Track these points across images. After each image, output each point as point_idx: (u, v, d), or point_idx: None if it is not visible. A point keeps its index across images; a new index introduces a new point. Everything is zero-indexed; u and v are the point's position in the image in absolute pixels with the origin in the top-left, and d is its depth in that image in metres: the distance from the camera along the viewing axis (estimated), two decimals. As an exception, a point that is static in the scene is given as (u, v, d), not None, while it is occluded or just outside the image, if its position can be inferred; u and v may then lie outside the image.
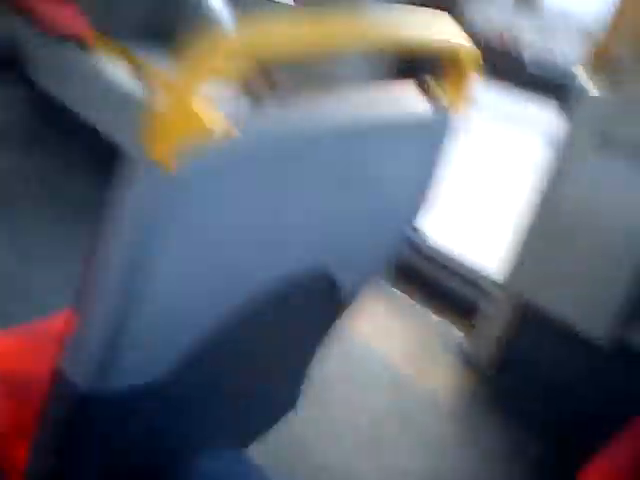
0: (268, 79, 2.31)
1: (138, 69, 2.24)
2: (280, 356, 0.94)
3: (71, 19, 2.68)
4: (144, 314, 0.63)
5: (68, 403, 0.71)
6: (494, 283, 2.01)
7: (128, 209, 0.59)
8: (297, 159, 0.65)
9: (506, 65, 2.19)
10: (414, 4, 1.87)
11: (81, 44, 2.52)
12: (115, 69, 2.39)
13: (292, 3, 2.63)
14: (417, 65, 1.85)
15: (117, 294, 0.62)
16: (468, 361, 2.03)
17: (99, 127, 2.46)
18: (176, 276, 0.63)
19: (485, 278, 2.15)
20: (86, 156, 2.62)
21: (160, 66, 2.25)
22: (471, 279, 2.22)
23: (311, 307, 0.88)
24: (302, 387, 1.08)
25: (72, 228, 2.15)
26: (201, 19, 2.67)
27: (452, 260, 2.31)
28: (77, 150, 2.67)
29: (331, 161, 0.69)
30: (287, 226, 0.70)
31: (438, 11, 0.73)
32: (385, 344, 2.06)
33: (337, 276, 0.83)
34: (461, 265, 2.28)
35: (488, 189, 3.49)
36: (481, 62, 0.77)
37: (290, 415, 1.11)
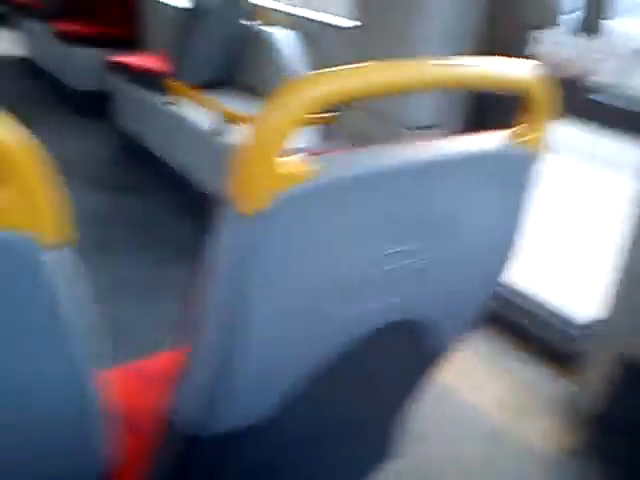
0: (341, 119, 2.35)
1: (219, 115, 2.32)
2: (371, 403, 0.93)
3: (155, 65, 2.85)
4: (245, 356, 0.65)
5: (176, 442, 0.75)
6: (589, 330, 1.91)
7: (221, 251, 0.62)
8: (378, 199, 0.66)
9: (582, 100, 2.11)
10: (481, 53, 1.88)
11: (166, 92, 2.67)
12: (197, 115, 2.45)
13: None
14: (494, 106, 1.83)
15: (220, 335, 0.65)
16: (565, 411, 1.92)
17: (183, 171, 2.54)
18: (272, 316, 0.65)
19: (580, 325, 2.05)
20: (176, 199, 2.68)
21: (241, 111, 2.32)
22: (565, 327, 2.12)
23: (399, 355, 0.87)
24: (395, 438, 1.05)
25: (168, 269, 2.23)
26: (277, 64, 2.76)
27: (544, 307, 2.21)
28: (168, 194, 2.73)
29: (412, 201, 0.69)
30: (371, 269, 0.70)
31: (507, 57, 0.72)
32: (477, 394, 1.98)
33: (426, 324, 0.82)
34: (553, 312, 2.18)
35: (577, 231, 3.36)
36: (559, 100, 0.75)
37: (383, 468, 1.08)
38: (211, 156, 2.34)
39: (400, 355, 0.88)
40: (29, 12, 4.45)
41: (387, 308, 0.75)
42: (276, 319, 0.66)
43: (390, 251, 0.69)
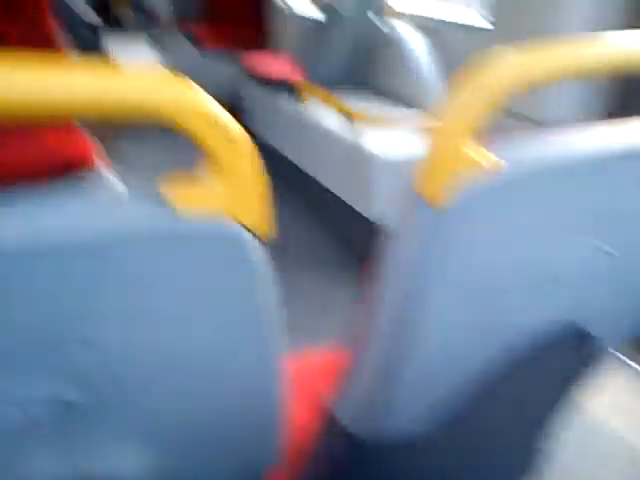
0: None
1: (348, 115, 2.34)
2: (521, 412, 0.90)
3: (285, 69, 2.93)
4: (417, 355, 0.64)
5: (336, 442, 0.75)
6: None
7: (399, 245, 0.62)
8: (565, 192, 0.63)
9: None
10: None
11: (294, 93, 2.75)
12: (328, 117, 2.47)
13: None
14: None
15: (392, 333, 0.64)
16: None
17: (314, 173, 2.57)
18: (448, 313, 0.64)
19: None
20: (306, 201, 2.71)
21: (371, 112, 2.34)
22: None
23: (558, 361, 0.83)
24: (535, 457, 1.00)
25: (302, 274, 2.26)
26: (407, 64, 2.74)
27: None
28: (299, 196, 2.74)
29: (587, 194, 0.66)
30: (549, 265, 0.67)
31: None
32: (623, 422, 1.84)
33: (590, 329, 0.78)
34: None
35: None
36: None
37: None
38: (341, 159, 2.37)
39: (557, 358, 0.84)
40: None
41: (556, 303, 0.72)
42: (452, 322, 0.65)
43: (565, 242, 0.66)
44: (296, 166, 2.74)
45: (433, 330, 0.64)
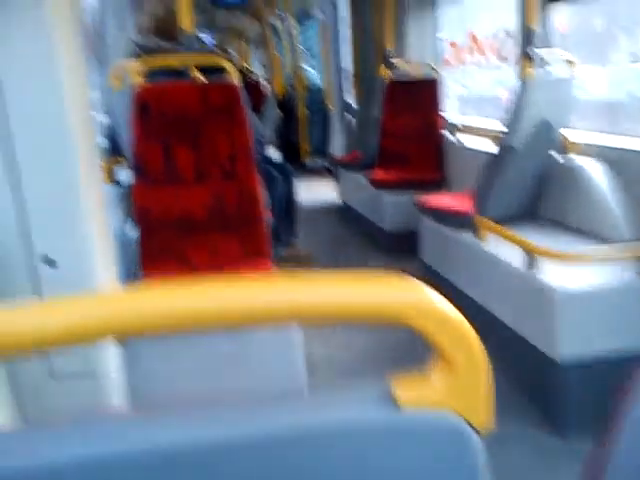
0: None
1: (527, 249, 2.30)
2: None
3: (460, 204, 3.00)
4: None
5: None
6: None
7: None
8: None
9: None
10: None
11: (470, 227, 2.78)
12: (506, 252, 2.43)
13: None
14: None
15: None
16: None
17: (490, 308, 2.49)
18: None
19: None
20: (485, 337, 2.61)
21: (550, 246, 2.27)
22: None
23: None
24: None
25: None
26: (585, 196, 2.67)
27: None
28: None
29: None
30: None
31: None
32: None
33: None
34: None
35: None
36: None
37: None
38: (522, 295, 2.29)
39: None
40: (347, 165, 5.21)
41: None
42: None
43: None
44: (468, 295, 2.70)
45: None
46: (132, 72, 2.26)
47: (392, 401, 0.53)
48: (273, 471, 0.51)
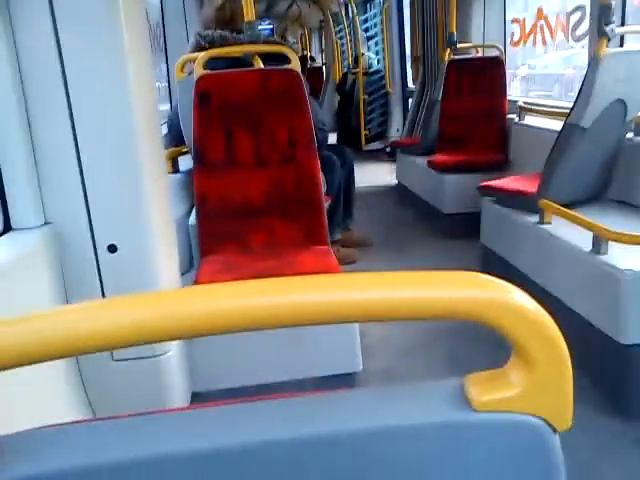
0: None
1: (595, 232, 2.22)
2: None
3: (527, 189, 2.92)
4: None
5: None
6: None
7: None
8: None
9: None
10: None
11: (537, 212, 2.69)
12: (572, 235, 2.37)
13: None
14: None
15: None
16: None
17: (556, 292, 2.43)
18: None
19: None
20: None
21: (618, 228, 2.19)
22: None
23: None
24: None
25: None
26: None
27: None
28: None
29: None
30: None
31: None
32: None
33: None
34: None
35: None
36: None
37: None
38: (589, 278, 2.22)
39: None
40: (407, 148, 5.17)
41: None
42: None
43: None
44: (532, 279, 2.64)
45: None
46: (196, 62, 2.31)
47: (467, 403, 0.52)
48: (355, 465, 0.51)
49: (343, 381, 2.04)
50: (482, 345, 2.27)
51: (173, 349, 1.79)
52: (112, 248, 1.66)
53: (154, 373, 1.75)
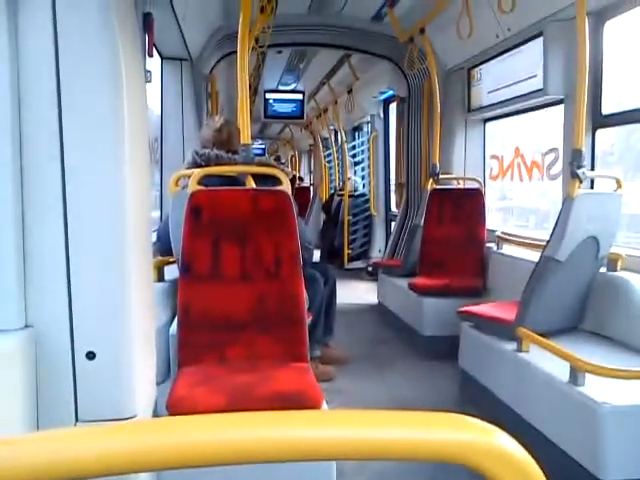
0: None
1: (571, 362, 2.25)
2: None
3: (505, 316, 2.97)
4: None
5: None
6: None
7: None
8: None
9: None
10: None
11: (513, 337, 2.72)
12: (549, 364, 2.39)
13: None
14: None
15: None
16: None
17: (531, 419, 2.42)
18: None
19: None
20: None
21: (594, 360, 2.22)
22: None
23: None
24: None
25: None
26: (633, 310, 2.63)
27: None
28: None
29: None
30: None
31: None
32: None
33: None
34: None
35: None
36: None
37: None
38: (566, 409, 2.21)
39: None
40: (388, 269, 5.28)
41: None
42: None
43: None
44: (508, 405, 2.62)
45: None
46: (191, 178, 2.42)
47: None
48: None
49: None
50: (462, 474, 2.21)
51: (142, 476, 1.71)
52: (90, 355, 1.64)
53: None
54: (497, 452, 0.49)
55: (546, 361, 2.42)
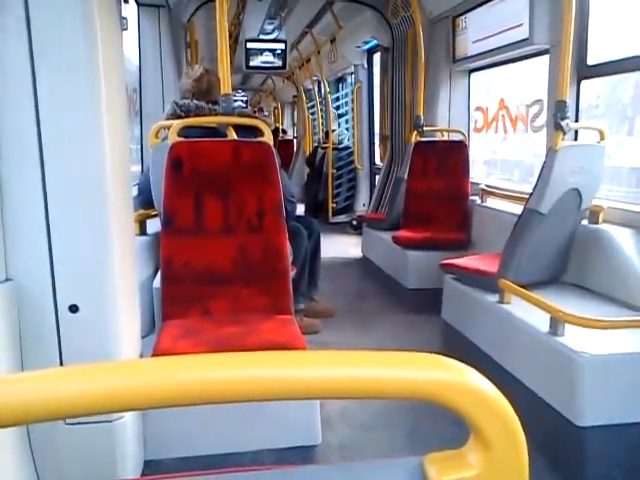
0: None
1: (552, 313, 2.29)
2: None
3: (487, 268, 3.00)
4: None
5: None
6: None
7: None
8: None
9: None
10: None
11: (496, 291, 2.77)
12: (530, 315, 2.41)
13: None
14: None
15: None
16: None
17: (513, 371, 2.47)
18: None
19: None
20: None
21: (574, 311, 2.26)
22: None
23: None
24: None
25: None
26: (613, 262, 2.67)
27: None
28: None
29: None
30: None
31: None
32: None
33: None
34: None
35: None
36: None
37: None
38: (546, 359, 2.26)
39: None
40: (372, 223, 5.28)
41: None
42: None
43: None
44: (488, 355, 2.67)
45: None
46: (171, 129, 2.36)
47: (423, 476, 0.53)
48: None
49: (301, 453, 2.00)
50: (442, 421, 2.27)
51: (127, 415, 1.73)
52: (73, 308, 1.63)
53: (107, 439, 1.69)
54: (468, 389, 0.50)
55: (527, 312, 2.46)
